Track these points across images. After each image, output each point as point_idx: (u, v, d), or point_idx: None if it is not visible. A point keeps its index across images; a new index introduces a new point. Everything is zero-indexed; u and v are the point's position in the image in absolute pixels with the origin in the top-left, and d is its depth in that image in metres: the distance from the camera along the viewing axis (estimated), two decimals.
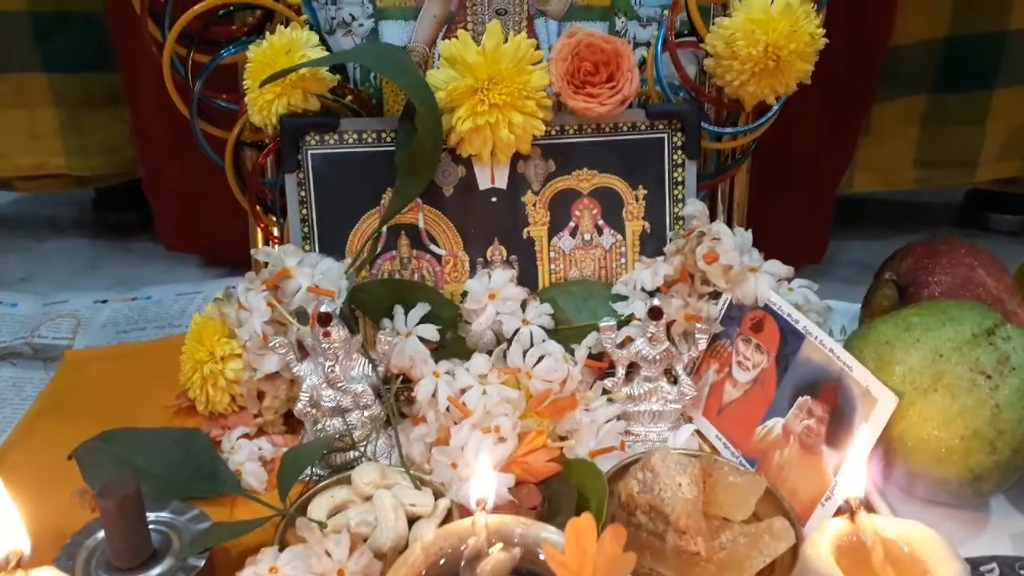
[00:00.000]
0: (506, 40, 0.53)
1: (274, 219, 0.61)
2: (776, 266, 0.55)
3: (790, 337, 0.51)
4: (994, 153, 0.83)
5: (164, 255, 0.88)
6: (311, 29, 0.57)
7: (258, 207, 0.60)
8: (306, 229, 0.56)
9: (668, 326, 0.54)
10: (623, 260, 0.58)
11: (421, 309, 0.53)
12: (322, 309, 0.49)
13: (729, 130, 0.60)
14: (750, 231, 0.57)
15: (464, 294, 0.56)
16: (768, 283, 0.53)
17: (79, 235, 0.96)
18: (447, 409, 0.51)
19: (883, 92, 0.78)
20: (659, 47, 0.58)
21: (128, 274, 0.88)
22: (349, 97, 0.58)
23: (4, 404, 0.66)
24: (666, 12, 0.58)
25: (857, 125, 0.78)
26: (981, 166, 0.84)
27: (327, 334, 0.50)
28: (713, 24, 0.56)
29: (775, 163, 0.68)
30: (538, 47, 0.54)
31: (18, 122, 0.79)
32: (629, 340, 0.53)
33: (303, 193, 0.55)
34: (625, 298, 0.56)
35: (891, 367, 0.45)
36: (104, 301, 0.82)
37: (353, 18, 0.60)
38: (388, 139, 0.55)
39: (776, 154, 0.67)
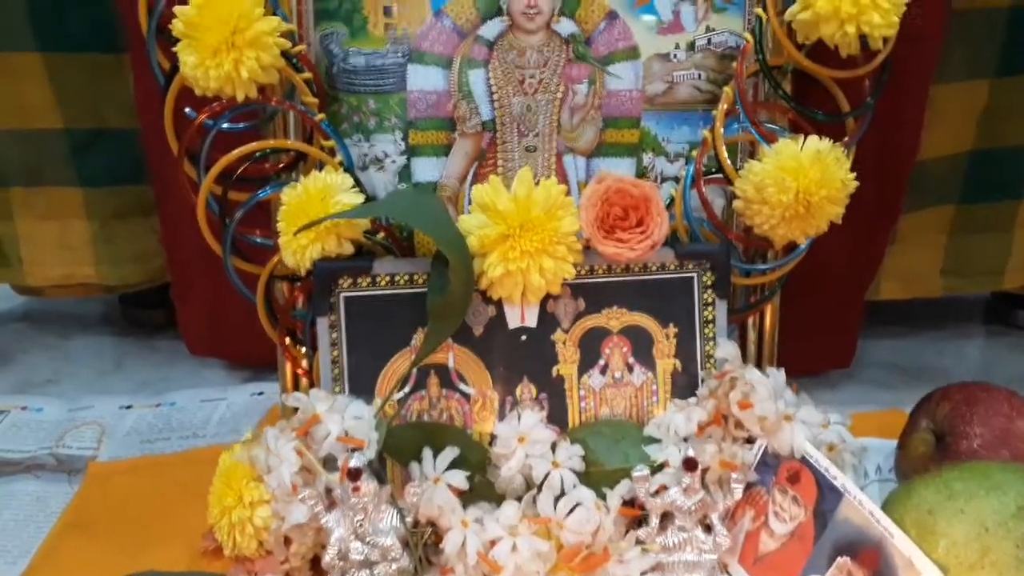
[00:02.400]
0: (536, 180, 0.54)
1: (303, 351, 0.61)
2: (810, 413, 0.54)
3: (828, 493, 0.50)
4: (1021, 260, 0.82)
5: (189, 355, 0.89)
6: (344, 168, 0.58)
7: (288, 339, 0.61)
8: (336, 370, 0.56)
9: (703, 472, 0.53)
10: (654, 398, 0.58)
11: (450, 453, 0.53)
12: (352, 464, 0.49)
13: (758, 267, 0.60)
14: (783, 371, 0.56)
15: (493, 437, 0.55)
16: (804, 433, 0.52)
17: (105, 332, 0.97)
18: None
19: (910, 202, 0.78)
20: (687, 184, 0.59)
21: (153, 375, 0.89)
22: (382, 234, 0.59)
23: (28, 522, 0.66)
24: (694, 152, 0.59)
25: (884, 236, 0.78)
26: (1008, 273, 0.83)
27: (356, 489, 0.49)
28: (742, 165, 0.57)
29: (802, 273, 0.68)
30: (568, 191, 0.55)
31: (50, 233, 0.80)
32: (663, 488, 0.52)
33: (334, 335, 0.55)
34: (657, 440, 0.55)
35: (934, 538, 0.44)
36: (129, 407, 0.82)
37: (386, 155, 0.61)
38: (420, 281, 0.56)
39: (803, 264, 0.66)
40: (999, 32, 0.73)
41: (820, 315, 0.79)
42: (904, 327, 0.96)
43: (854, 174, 0.55)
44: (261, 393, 0.83)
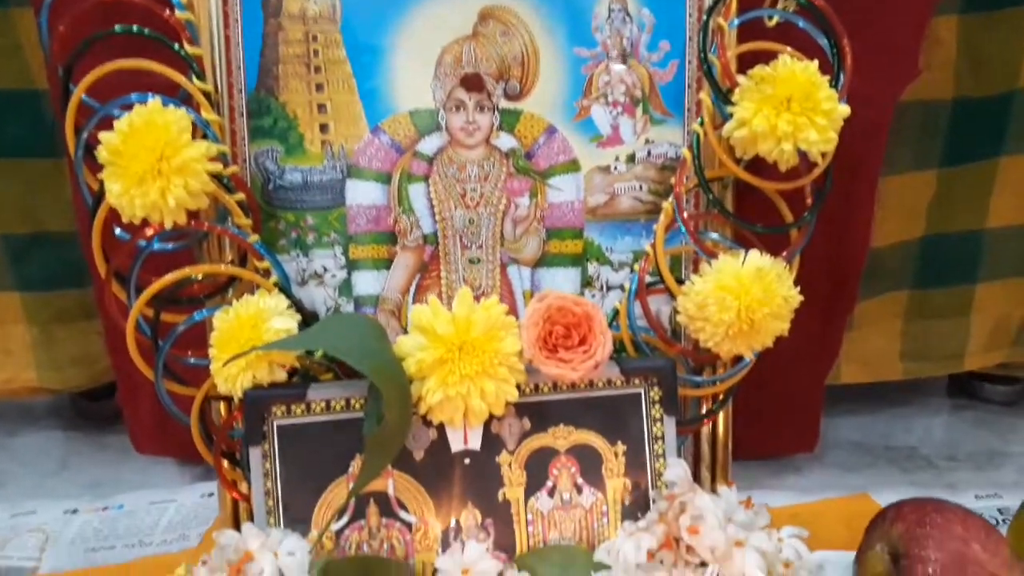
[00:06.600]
0: (480, 292, 0.52)
1: (240, 473, 0.59)
2: (762, 539, 0.52)
3: None
4: (981, 344, 0.82)
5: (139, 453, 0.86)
6: (279, 287, 0.56)
7: (226, 461, 0.59)
8: (270, 502, 0.53)
9: None
10: (605, 520, 0.56)
11: None
12: None
13: (706, 379, 0.59)
14: (734, 489, 0.55)
15: (435, 571, 0.53)
16: (755, 561, 0.50)
17: (53, 426, 0.94)
18: None
19: (864, 290, 0.78)
20: (631, 296, 0.58)
21: (101, 475, 0.86)
22: (320, 352, 0.57)
23: None
24: (638, 261, 0.58)
25: (841, 324, 0.77)
26: (968, 356, 0.82)
27: None
28: (687, 275, 0.56)
29: (761, 360, 0.67)
30: (513, 304, 0.53)
31: None
32: None
33: (267, 465, 0.53)
34: (607, 567, 0.53)
35: None
36: (74, 511, 0.79)
37: (325, 269, 0.59)
38: (357, 406, 0.54)
39: (762, 351, 0.66)
40: (942, 124, 0.73)
41: (782, 400, 0.78)
42: (869, 403, 0.95)
43: (797, 288, 0.54)
44: (211, 494, 0.81)
